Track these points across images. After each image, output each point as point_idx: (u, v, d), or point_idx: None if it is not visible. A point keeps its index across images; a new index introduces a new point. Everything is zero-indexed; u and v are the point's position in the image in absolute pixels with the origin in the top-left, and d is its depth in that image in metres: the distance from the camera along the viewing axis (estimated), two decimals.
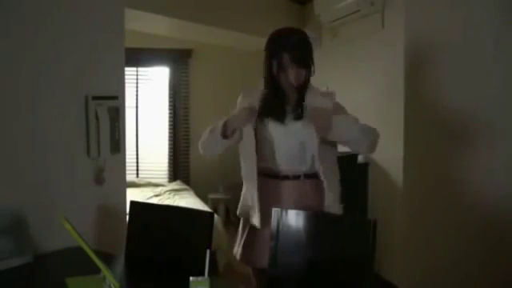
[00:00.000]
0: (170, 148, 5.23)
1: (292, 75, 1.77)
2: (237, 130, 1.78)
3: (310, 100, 1.80)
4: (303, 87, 1.83)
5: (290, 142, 1.81)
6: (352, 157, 3.56)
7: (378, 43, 3.41)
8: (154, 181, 5.00)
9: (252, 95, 1.89)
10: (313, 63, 1.86)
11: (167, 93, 5.18)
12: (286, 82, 1.80)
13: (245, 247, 1.87)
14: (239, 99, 1.94)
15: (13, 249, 1.63)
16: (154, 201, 4.07)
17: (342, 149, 3.84)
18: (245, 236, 1.88)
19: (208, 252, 1.25)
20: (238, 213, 1.93)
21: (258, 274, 1.88)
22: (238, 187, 2.03)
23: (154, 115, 5.21)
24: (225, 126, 1.76)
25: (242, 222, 1.94)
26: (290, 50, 1.76)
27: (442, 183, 2.55)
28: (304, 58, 1.80)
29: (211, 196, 4.96)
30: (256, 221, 1.80)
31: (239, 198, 1.96)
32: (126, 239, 1.82)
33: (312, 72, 1.86)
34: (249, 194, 1.86)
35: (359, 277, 1.46)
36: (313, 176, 1.83)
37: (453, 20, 2.47)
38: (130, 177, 4.80)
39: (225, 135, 1.76)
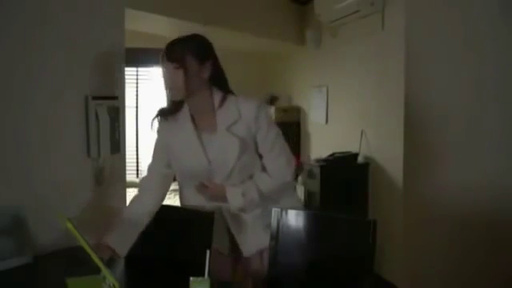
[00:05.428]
0: None
1: (164, 75, 1.56)
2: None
3: (224, 116, 1.60)
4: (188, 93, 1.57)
5: None
6: (352, 157, 3.56)
7: (377, 43, 3.41)
8: None
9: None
10: (200, 57, 1.57)
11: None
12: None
13: None
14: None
15: (13, 249, 1.63)
16: None
17: (342, 148, 3.85)
18: None
19: (208, 252, 1.24)
20: None
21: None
22: None
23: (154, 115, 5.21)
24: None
25: None
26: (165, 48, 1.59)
27: (442, 183, 2.55)
28: (177, 52, 1.55)
29: None
30: None
31: None
32: None
33: (202, 71, 1.57)
34: None
35: (359, 277, 1.46)
36: None
37: (453, 20, 2.47)
38: (130, 177, 4.80)
39: None
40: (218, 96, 1.62)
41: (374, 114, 3.48)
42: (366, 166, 3.53)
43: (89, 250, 1.26)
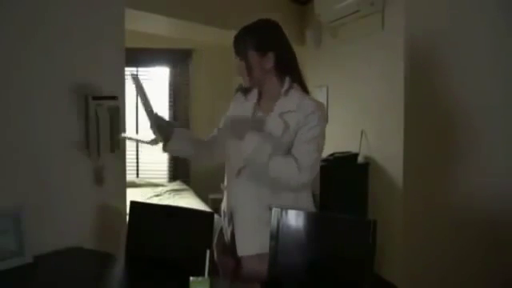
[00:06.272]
0: None
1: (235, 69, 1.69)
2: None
3: (283, 103, 1.64)
4: (256, 81, 1.67)
5: None
6: (352, 157, 3.56)
7: (377, 43, 3.41)
8: (153, 181, 5.00)
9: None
10: (261, 49, 1.63)
11: (167, 93, 5.18)
12: None
13: None
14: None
15: (13, 249, 1.63)
16: (154, 201, 4.07)
17: (342, 148, 3.85)
18: None
19: (208, 252, 1.25)
20: None
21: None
22: None
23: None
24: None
25: None
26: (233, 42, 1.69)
27: (442, 183, 2.55)
28: (240, 47, 1.66)
29: (211, 196, 4.96)
30: None
31: None
32: (126, 239, 1.82)
33: (264, 60, 1.63)
34: None
35: (359, 277, 1.46)
36: None
37: (453, 20, 2.47)
38: (130, 177, 4.80)
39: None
40: (286, 85, 1.65)
41: (374, 114, 3.48)
42: (366, 165, 3.53)
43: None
